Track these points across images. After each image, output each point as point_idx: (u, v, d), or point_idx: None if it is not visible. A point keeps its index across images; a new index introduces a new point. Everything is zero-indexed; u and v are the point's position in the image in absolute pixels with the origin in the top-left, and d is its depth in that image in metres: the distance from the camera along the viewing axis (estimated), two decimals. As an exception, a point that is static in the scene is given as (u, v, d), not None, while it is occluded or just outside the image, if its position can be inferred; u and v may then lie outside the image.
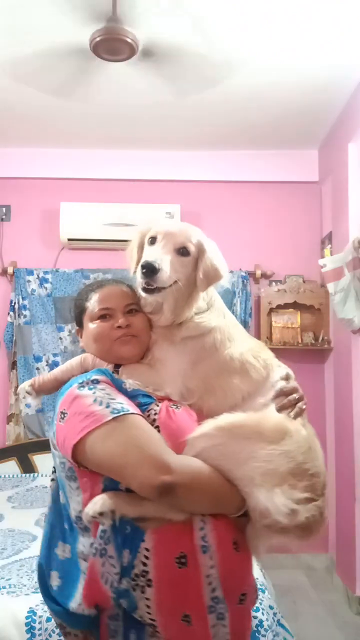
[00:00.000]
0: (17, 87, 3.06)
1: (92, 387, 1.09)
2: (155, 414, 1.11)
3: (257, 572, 2.04)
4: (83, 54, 2.63)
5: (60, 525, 1.14)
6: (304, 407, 1.20)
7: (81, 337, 1.30)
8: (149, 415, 1.10)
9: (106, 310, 1.21)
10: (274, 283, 3.79)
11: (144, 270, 1.12)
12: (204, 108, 3.28)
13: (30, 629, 1.66)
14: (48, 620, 1.68)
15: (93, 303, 1.23)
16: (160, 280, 1.12)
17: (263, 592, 1.85)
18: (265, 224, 3.89)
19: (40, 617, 1.69)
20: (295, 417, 1.16)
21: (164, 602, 1.01)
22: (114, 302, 1.22)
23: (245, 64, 2.80)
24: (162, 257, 1.14)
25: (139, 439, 1.01)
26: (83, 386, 1.10)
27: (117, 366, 1.19)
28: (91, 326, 1.22)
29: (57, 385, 1.22)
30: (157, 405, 1.13)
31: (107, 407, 1.04)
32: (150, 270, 1.11)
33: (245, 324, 3.64)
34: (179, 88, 3.02)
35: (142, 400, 1.12)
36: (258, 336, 3.71)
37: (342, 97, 3.16)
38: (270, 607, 1.79)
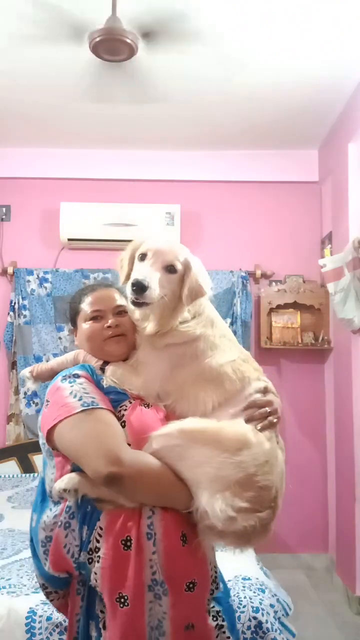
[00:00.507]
0: (17, 87, 3.06)
1: (72, 380, 1.22)
2: (125, 409, 1.22)
3: (257, 571, 2.04)
4: (83, 54, 2.63)
5: (37, 496, 1.27)
6: (275, 420, 1.24)
7: (76, 336, 1.41)
8: (119, 411, 1.21)
9: (97, 312, 1.33)
10: (274, 283, 3.79)
11: (134, 288, 1.21)
12: (204, 108, 3.28)
13: (30, 628, 1.67)
14: (48, 619, 1.68)
15: (86, 305, 1.35)
16: (149, 297, 1.21)
17: (263, 592, 1.85)
18: (265, 224, 3.89)
19: (40, 617, 1.69)
20: (262, 430, 1.21)
21: (106, 579, 1.11)
22: (105, 304, 1.35)
23: (245, 64, 2.80)
24: (151, 275, 1.23)
25: (99, 432, 1.12)
26: (65, 379, 1.23)
27: (105, 363, 1.30)
28: (84, 326, 1.35)
29: (52, 375, 1.34)
30: (130, 402, 1.24)
31: (80, 400, 1.16)
32: (139, 288, 1.20)
33: (245, 324, 3.64)
34: (178, 89, 3.02)
35: (114, 396, 1.23)
36: (258, 336, 3.71)
37: (342, 97, 3.16)
38: (271, 606, 1.80)
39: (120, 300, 1.37)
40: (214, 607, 1.20)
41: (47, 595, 1.26)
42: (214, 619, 1.19)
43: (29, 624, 1.68)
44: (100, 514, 1.14)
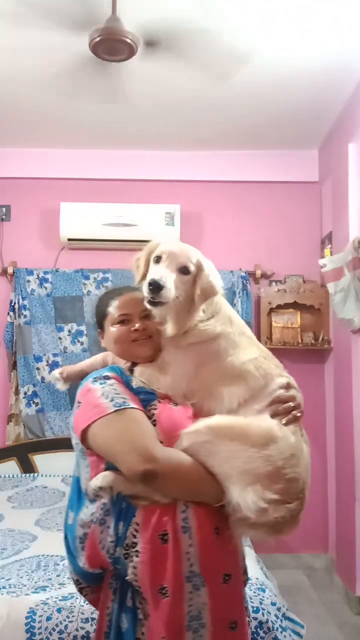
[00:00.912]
0: (17, 87, 3.06)
1: (102, 382, 1.26)
2: (155, 409, 1.26)
3: (258, 571, 2.04)
4: (83, 54, 2.63)
5: (72, 495, 1.31)
6: (299, 415, 1.29)
7: (102, 338, 1.46)
8: (149, 410, 1.25)
9: (125, 315, 1.38)
10: (274, 283, 3.80)
11: (151, 287, 1.26)
12: (204, 108, 3.28)
13: (30, 628, 1.66)
14: (48, 619, 1.68)
15: (113, 309, 1.40)
16: (164, 297, 1.27)
17: (264, 591, 1.85)
18: (265, 224, 3.89)
19: (40, 617, 1.69)
20: (287, 424, 1.26)
21: (146, 572, 1.15)
22: (131, 308, 1.39)
23: (244, 64, 2.80)
24: (167, 275, 1.29)
25: (132, 431, 1.16)
26: (96, 381, 1.27)
27: (133, 365, 1.35)
28: (112, 329, 1.39)
29: (82, 376, 1.38)
30: (159, 402, 1.27)
31: (112, 400, 1.20)
32: (156, 287, 1.26)
33: (246, 324, 3.63)
34: (179, 88, 3.02)
35: (144, 396, 1.27)
36: (258, 336, 3.70)
37: (342, 97, 3.17)
38: (273, 604, 1.79)
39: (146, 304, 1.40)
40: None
41: (80, 590, 1.31)
42: (247, 615, 1.26)
43: (29, 624, 1.67)
44: (136, 510, 1.18)
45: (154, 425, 1.22)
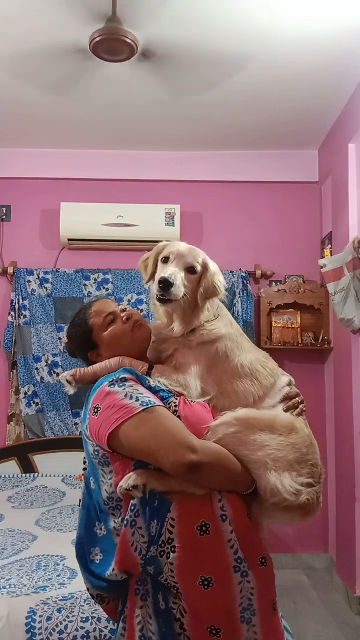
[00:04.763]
0: (17, 87, 3.06)
1: (121, 384, 1.27)
2: (176, 405, 1.29)
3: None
4: (83, 54, 2.63)
5: (94, 507, 1.31)
6: (304, 409, 1.40)
7: (100, 355, 1.42)
8: (169, 407, 1.28)
9: (110, 314, 1.42)
10: (274, 283, 3.80)
11: (161, 285, 1.32)
12: (204, 108, 3.28)
13: (30, 628, 1.66)
14: (48, 619, 1.68)
15: (95, 317, 1.42)
16: (173, 294, 1.33)
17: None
18: (265, 224, 3.89)
19: (40, 617, 1.69)
20: (297, 417, 1.36)
21: (184, 566, 1.17)
22: (111, 306, 1.45)
23: (244, 64, 2.80)
24: (176, 273, 1.35)
25: (167, 426, 1.19)
26: (113, 384, 1.27)
27: (150, 368, 1.38)
28: (106, 334, 1.41)
29: (94, 379, 1.36)
30: (176, 399, 1.31)
31: (137, 400, 1.22)
32: (166, 284, 1.32)
33: (245, 324, 3.64)
34: (178, 88, 3.02)
35: (163, 394, 1.31)
36: (258, 336, 3.71)
37: (342, 97, 3.17)
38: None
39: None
40: None
41: (100, 602, 1.31)
42: None
43: (29, 624, 1.67)
44: (170, 505, 1.20)
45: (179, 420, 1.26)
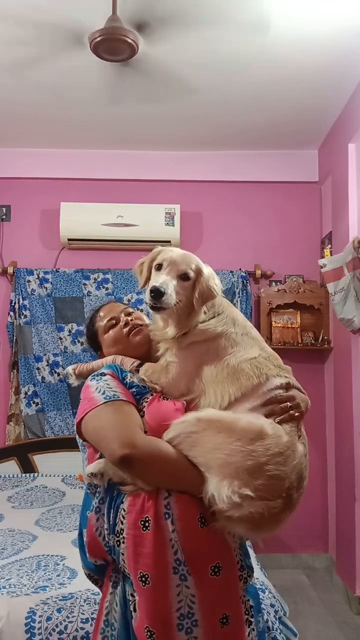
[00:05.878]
0: (17, 87, 3.06)
1: (99, 378, 1.35)
2: (146, 401, 1.33)
3: (258, 571, 2.03)
4: (83, 54, 2.63)
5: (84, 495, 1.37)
6: (297, 414, 1.30)
7: (102, 356, 1.55)
8: (141, 404, 1.33)
9: (112, 319, 1.52)
10: (274, 283, 3.80)
11: (152, 294, 1.32)
12: (204, 108, 3.28)
13: (30, 628, 1.66)
14: (48, 619, 1.68)
15: (100, 320, 1.54)
16: (165, 303, 1.33)
17: (264, 592, 1.84)
18: (265, 224, 3.89)
19: (40, 617, 1.69)
20: (281, 422, 1.26)
21: (129, 559, 1.20)
22: (115, 310, 1.54)
23: (245, 64, 2.80)
24: (168, 282, 1.35)
25: (117, 420, 1.23)
26: (93, 378, 1.37)
27: (139, 364, 1.41)
28: (106, 337, 1.52)
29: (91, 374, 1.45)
30: (151, 395, 1.35)
31: (103, 394, 1.29)
32: (157, 294, 1.32)
33: (252, 326, 3.63)
34: (179, 88, 3.02)
35: (136, 390, 1.35)
36: (258, 336, 3.70)
37: (342, 97, 3.17)
38: (272, 605, 1.79)
39: (123, 305, 1.54)
40: (248, 600, 1.25)
41: (94, 583, 1.38)
42: (246, 612, 1.24)
43: (29, 624, 1.67)
44: (123, 496, 1.24)
45: (142, 416, 1.29)
